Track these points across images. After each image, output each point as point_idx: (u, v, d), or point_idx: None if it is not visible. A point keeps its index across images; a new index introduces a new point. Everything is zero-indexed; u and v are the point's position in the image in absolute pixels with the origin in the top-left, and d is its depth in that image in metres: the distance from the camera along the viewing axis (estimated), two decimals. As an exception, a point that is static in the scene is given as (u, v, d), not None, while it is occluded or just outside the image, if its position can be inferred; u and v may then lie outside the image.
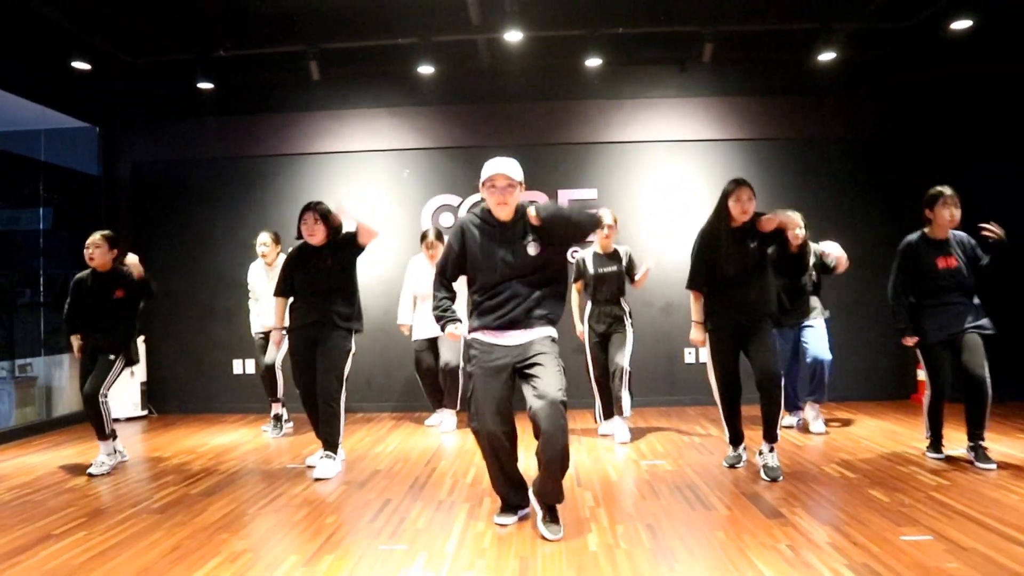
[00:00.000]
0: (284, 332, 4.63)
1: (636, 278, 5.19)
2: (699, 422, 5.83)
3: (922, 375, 4.50)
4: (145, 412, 6.86)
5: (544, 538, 3.16)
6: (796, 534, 3.13)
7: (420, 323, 5.86)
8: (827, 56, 6.15)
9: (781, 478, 4.02)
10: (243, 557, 3.05)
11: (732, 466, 4.34)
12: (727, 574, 2.73)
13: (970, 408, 4.21)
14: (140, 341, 5.93)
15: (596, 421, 5.54)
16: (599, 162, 6.81)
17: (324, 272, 4.42)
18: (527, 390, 3.16)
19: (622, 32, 6.05)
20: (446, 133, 6.87)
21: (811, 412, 5.34)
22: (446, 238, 5.78)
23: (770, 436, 4.09)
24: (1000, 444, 4.69)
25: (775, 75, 6.76)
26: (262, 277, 5.79)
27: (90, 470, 4.59)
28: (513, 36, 5.81)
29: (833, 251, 5.05)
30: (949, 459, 4.37)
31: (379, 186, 6.91)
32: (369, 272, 6.26)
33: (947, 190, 4.23)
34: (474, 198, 6.55)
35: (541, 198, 6.54)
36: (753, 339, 4.06)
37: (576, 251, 5.56)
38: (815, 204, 6.31)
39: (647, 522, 3.37)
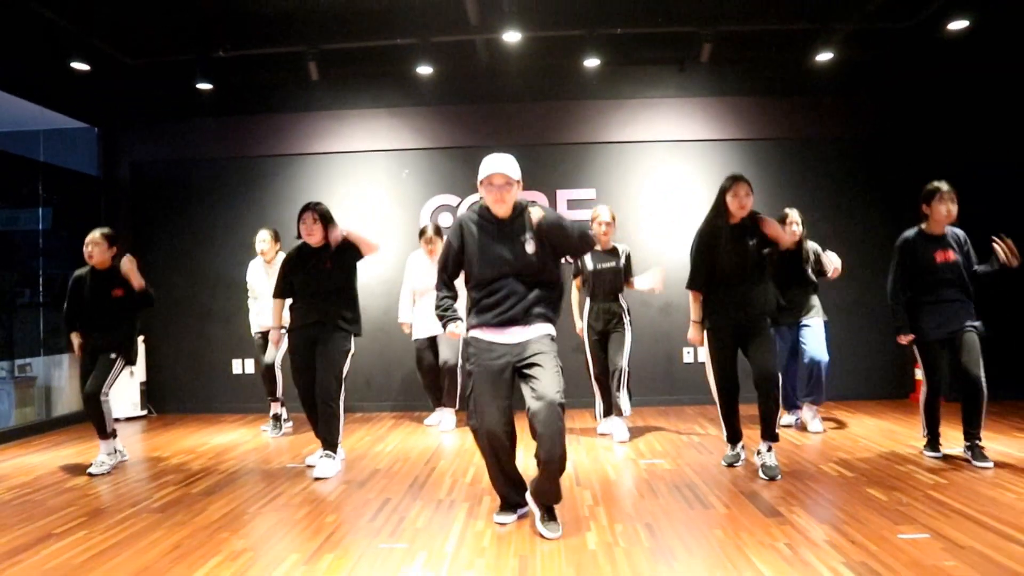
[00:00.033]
0: (283, 332, 4.64)
1: (640, 287, 5.18)
2: (698, 421, 5.85)
3: (920, 374, 4.51)
4: (145, 412, 6.87)
5: (543, 537, 3.17)
6: (794, 532, 3.15)
7: (420, 321, 5.87)
8: (825, 56, 6.17)
9: (779, 477, 4.03)
10: (243, 556, 3.06)
11: (730, 465, 4.35)
12: (725, 572, 2.74)
13: (966, 407, 4.23)
14: (140, 341, 5.93)
15: (596, 420, 5.55)
16: (598, 162, 6.82)
17: (324, 274, 4.43)
18: (526, 390, 3.17)
19: (621, 32, 6.07)
20: (445, 133, 6.89)
21: (808, 412, 5.36)
22: (445, 235, 5.83)
23: (768, 435, 4.10)
24: (997, 443, 4.71)
25: (774, 75, 6.77)
26: (261, 275, 5.80)
27: (90, 470, 4.60)
28: (512, 36, 5.82)
29: (832, 260, 5.05)
30: (946, 458, 4.39)
31: (378, 186, 6.92)
32: (369, 272, 6.27)
33: (944, 185, 4.24)
34: (473, 198, 6.56)
35: (540, 198, 6.55)
36: (752, 339, 4.07)
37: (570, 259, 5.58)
38: (813, 204, 6.33)
39: (646, 521, 3.38)
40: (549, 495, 3.25)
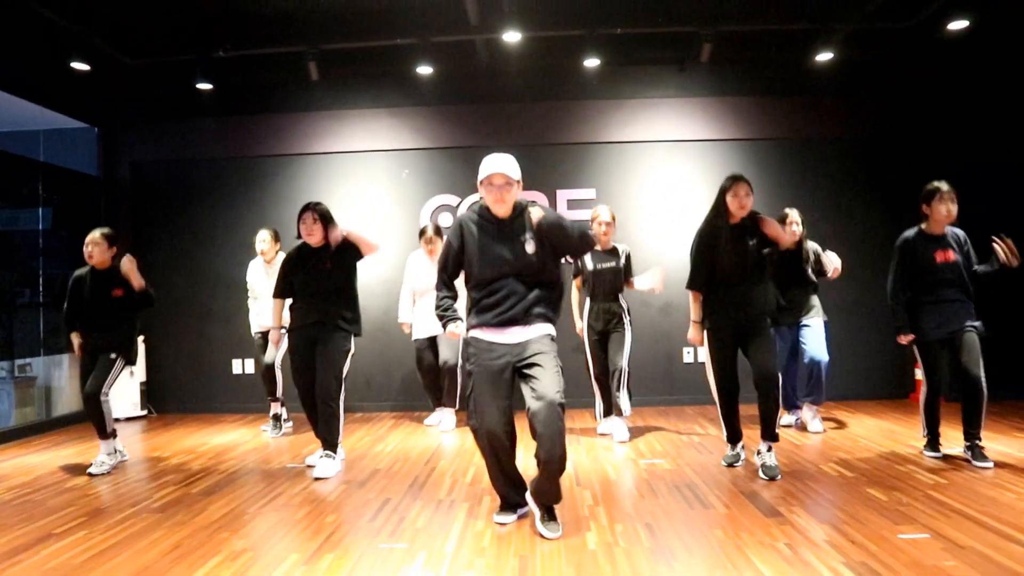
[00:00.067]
0: (283, 332, 4.65)
1: (640, 287, 5.18)
2: (698, 421, 5.85)
3: (920, 374, 4.51)
4: (144, 412, 6.87)
5: (543, 537, 3.17)
6: (794, 532, 3.15)
7: (420, 321, 5.87)
8: (825, 56, 6.17)
9: (779, 477, 4.03)
10: (243, 556, 3.06)
11: (730, 465, 4.35)
12: (725, 572, 2.74)
13: (966, 407, 4.23)
14: (140, 341, 5.93)
15: (596, 420, 5.55)
16: (598, 162, 6.83)
17: (324, 274, 4.43)
18: (526, 391, 3.17)
19: (621, 32, 6.07)
20: (445, 133, 6.89)
21: (808, 412, 5.36)
22: (445, 235, 5.83)
23: (768, 436, 4.10)
24: (997, 443, 4.71)
25: (774, 75, 6.78)
26: (261, 275, 5.80)
27: (90, 470, 4.60)
28: (512, 36, 5.82)
29: (832, 260, 5.05)
30: (946, 458, 4.39)
31: (378, 186, 6.92)
32: (369, 272, 6.27)
33: (944, 185, 4.24)
34: (473, 198, 6.56)
35: (540, 198, 6.55)
36: (752, 339, 4.07)
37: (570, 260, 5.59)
38: (813, 204, 6.33)
39: (646, 521, 3.38)
40: (549, 495, 3.25)
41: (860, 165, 6.74)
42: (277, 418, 5.84)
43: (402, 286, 6.06)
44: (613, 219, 5.19)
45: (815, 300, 5.26)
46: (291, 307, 4.59)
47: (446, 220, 6.69)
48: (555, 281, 3.33)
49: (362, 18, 5.97)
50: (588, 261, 5.18)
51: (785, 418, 5.51)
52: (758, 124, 6.79)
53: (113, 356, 4.62)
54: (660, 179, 6.80)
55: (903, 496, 3.63)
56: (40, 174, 7.06)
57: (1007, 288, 6.09)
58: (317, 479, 4.33)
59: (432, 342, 5.86)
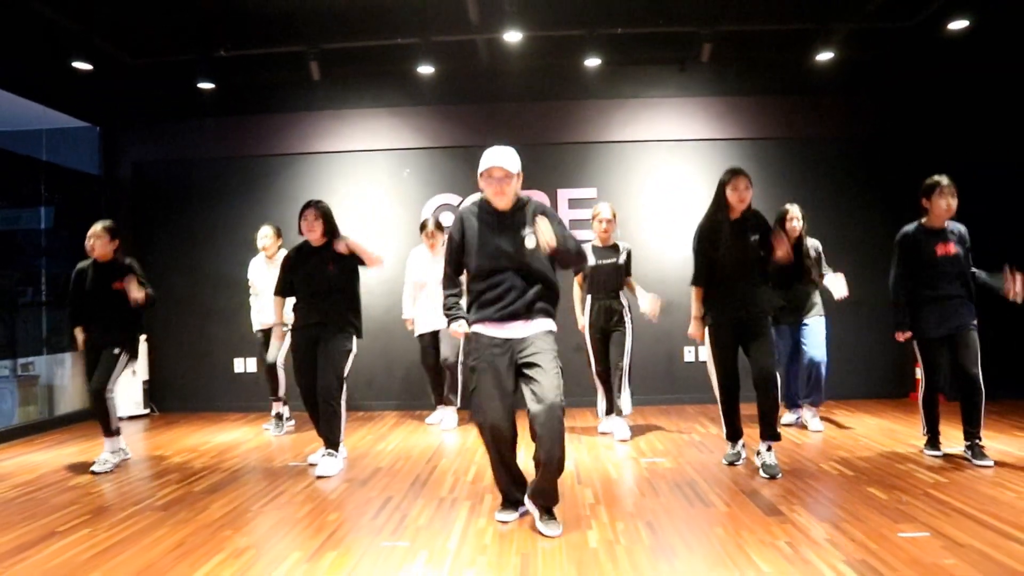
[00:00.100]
0: (286, 329, 4.66)
1: (642, 306, 5.13)
2: (698, 420, 5.86)
3: (920, 372, 4.52)
4: (147, 411, 6.89)
5: (543, 536, 3.19)
6: (795, 531, 3.16)
7: (421, 316, 5.89)
8: (826, 56, 6.18)
9: (780, 475, 4.05)
10: (246, 554, 3.07)
11: (731, 463, 4.36)
12: (726, 570, 2.76)
13: (964, 406, 4.24)
14: (142, 340, 5.94)
15: (597, 417, 5.57)
16: (599, 161, 6.84)
17: (326, 275, 4.43)
18: (526, 391, 3.20)
19: (621, 32, 6.08)
20: (446, 133, 6.90)
21: (809, 412, 5.38)
22: (446, 230, 5.86)
23: (769, 435, 4.11)
24: (997, 442, 4.72)
25: (774, 75, 6.79)
26: (262, 272, 5.81)
27: (93, 468, 4.62)
28: (512, 36, 5.83)
29: (837, 286, 4.98)
30: (947, 457, 4.40)
31: (379, 185, 6.94)
32: (370, 271, 6.26)
33: (944, 180, 4.24)
34: (474, 198, 6.56)
35: (541, 198, 6.56)
36: (752, 337, 4.09)
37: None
38: (814, 203, 6.30)
39: (647, 519, 3.39)
40: (548, 496, 3.27)
41: (860, 164, 6.75)
42: (279, 417, 5.85)
43: (404, 283, 6.08)
44: (614, 216, 5.21)
45: (817, 297, 5.27)
46: (294, 306, 4.61)
47: (447, 219, 6.69)
48: (552, 279, 3.35)
49: (363, 18, 5.98)
50: (589, 258, 5.20)
51: (786, 417, 5.53)
52: (758, 124, 6.80)
53: (116, 351, 4.64)
54: (661, 178, 6.81)
55: (903, 495, 3.65)
56: (42, 173, 7.08)
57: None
58: (319, 477, 4.34)
59: (434, 338, 5.87)
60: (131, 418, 6.70)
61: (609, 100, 6.82)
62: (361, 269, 4.64)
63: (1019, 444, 4.71)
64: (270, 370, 5.68)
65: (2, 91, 6.00)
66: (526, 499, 3.36)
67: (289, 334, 4.62)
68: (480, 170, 3.27)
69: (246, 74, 6.69)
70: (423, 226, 5.90)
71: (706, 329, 4.22)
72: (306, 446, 5.23)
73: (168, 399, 7.03)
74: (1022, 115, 6.33)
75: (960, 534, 3.05)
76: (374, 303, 6.55)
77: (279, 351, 5.63)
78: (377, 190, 6.92)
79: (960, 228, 4.33)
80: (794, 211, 5.24)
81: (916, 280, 4.30)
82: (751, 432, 4.47)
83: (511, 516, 3.42)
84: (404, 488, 4.06)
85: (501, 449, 3.31)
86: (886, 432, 5.23)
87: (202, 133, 7.08)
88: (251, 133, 7.02)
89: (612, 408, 5.29)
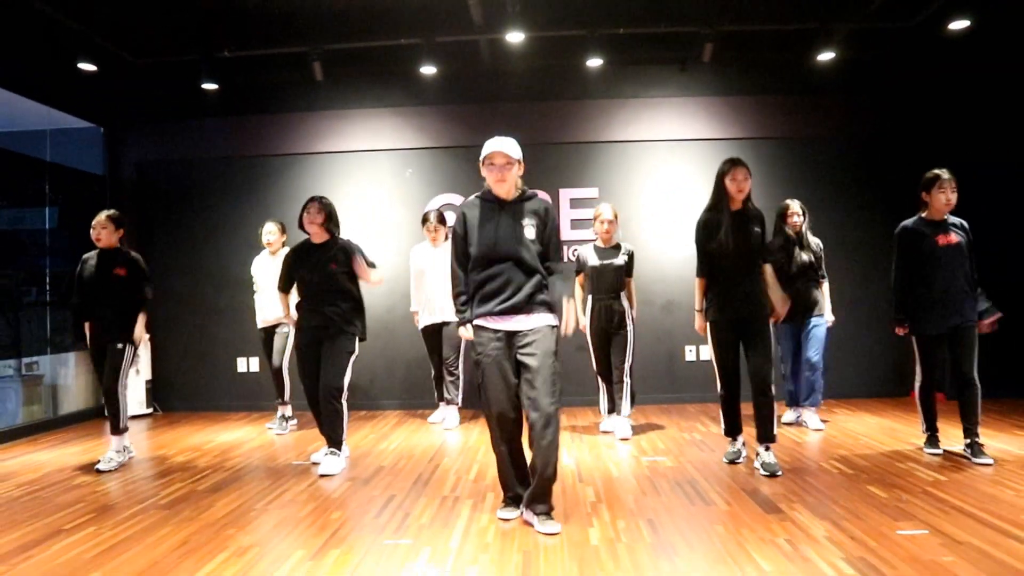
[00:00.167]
0: (288, 327, 4.68)
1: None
2: (699, 419, 5.88)
3: (918, 369, 4.52)
4: (150, 410, 6.91)
5: (543, 534, 3.21)
6: (794, 529, 3.18)
7: (424, 308, 5.91)
8: (826, 56, 6.19)
9: (780, 473, 4.06)
10: (250, 552, 3.10)
11: (732, 462, 4.38)
12: (726, 568, 2.78)
13: (961, 403, 4.26)
14: (146, 339, 5.97)
15: (600, 414, 5.60)
16: (600, 161, 6.86)
17: (329, 274, 4.45)
18: (523, 393, 3.28)
19: (623, 32, 6.10)
20: (448, 133, 6.92)
21: (808, 411, 5.40)
22: (447, 221, 5.91)
23: (765, 437, 4.13)
24: (997, 440, 4.73)
25: (775, 75, 6.80)
26: (265, 268, 5.84)
27: (99, 466, 4.65)
28: (515, 37, 5.85)
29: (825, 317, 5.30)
30: (946, 455, 4.42)
31: (382, 185, 6.96)
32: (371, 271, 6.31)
33: (945, 173, 4.25)
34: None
35: (542, 196, 6.57)
36: (752, 338, 4.10)
37: (576, 248, 5.68)
38: (814, 203, 6.31)
39: (648, 517, 3.42)
40: (544, 500, 3.31)
41: (860, 164, 6.76)
42: (284, 416, 5.89)
43: (410, 278, 6.09)
44: (615, 217, 5.23)
45: (819, 295, 5.29)
46: (297, 305, 4.63)
47: (450, 219, 6.72)
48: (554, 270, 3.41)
49: (366, 18, 6.00)
50: (590, 258, 5.22)
51: (787, 415, 5.55)
52: (759, 123, 6.81)
53: (120, 346, 4.67)
54: (662, 178, 6.82)
55: (903, 493, 3.67)
56: (46, 173, 7.11)
57: (1006, 288, 6.14)
58: (322, 476, 4.37)
59: (436, 331, 5.89)
60: (134, 417, 6.71)
61: (611, 100, 6.84)
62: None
63: (1019, 443, 4.72)
64: (276, 375, 5.77)
65: (6, 91, 6.03)
66: (524, 510, 3.39)
67: (292, 333, 4.64)
68: (481, 157, 3.34)
69: (249, 74, 6.71)
70: (425, 219, 5.93)
71: (707, 325, 4.24)
72: (309, 445, 5.25)
73: (171, 398, 7.06)
74: (1022, 115, 6.34)
75: (959, 532, 3.07)
76: (376, 302, 6.56)
77: (284, 355, 5.68)
78: (380, 190, 6.95)
79: (961, 222, 4.34)
80: (794, 207, 5.29)
81: (917, 274, 4.30)
82: (751, 431, 4.49)
83: (513, 514, 3.44)
84: (406, 487, 4.09)
85: (509, 436, 3.39)
86: (886, 431, 5.25)
87: (205, 133, 7.10)
88: (254, 133, 7.05)
89: (614, 407, 5.31)
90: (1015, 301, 6.20)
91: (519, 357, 3.28)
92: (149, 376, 6.91)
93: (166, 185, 7.15)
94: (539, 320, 3.30)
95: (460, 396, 5.96)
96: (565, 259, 3.32)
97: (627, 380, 5.14)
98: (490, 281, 3.30)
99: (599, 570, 2.80)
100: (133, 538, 3.31)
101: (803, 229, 5.27)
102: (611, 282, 5.17)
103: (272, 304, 5.69)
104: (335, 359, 4.43)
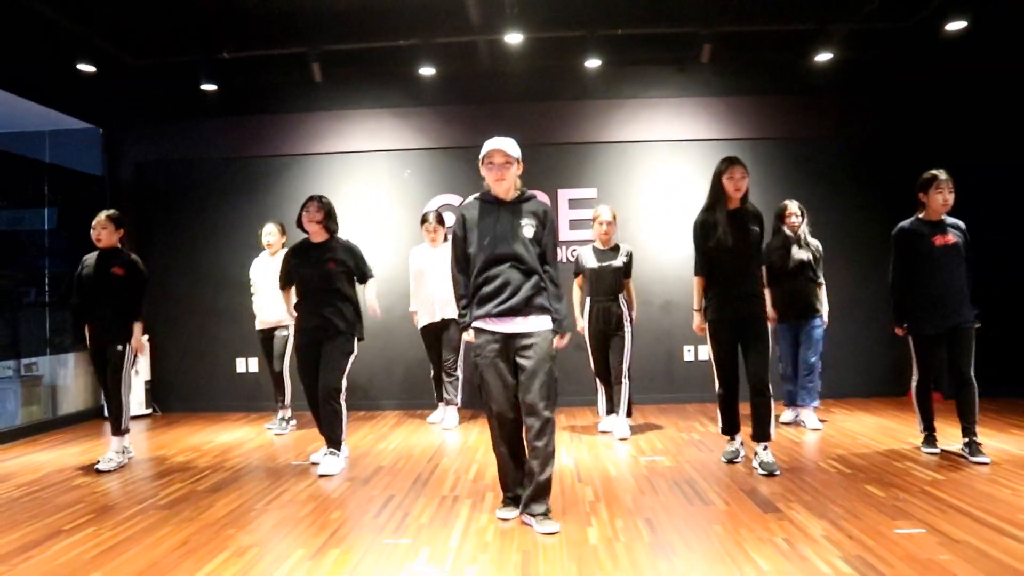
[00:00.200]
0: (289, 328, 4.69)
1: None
2: (698, 419, 5.89)
3: (915, 368, 4.53)
4: (149, 410, 6.92)
5: (542, 534, 3.22)
6: (792, 528, 3.20)
7: (422, 310, 5.92)
8: (824, 56, 6.21)
9: (778, 472, 4.08)
10: (250, 551, 3.11)
11: (730, 461, 4.39)
12: (724, 567, 2.79)
13: (959, 404, 4.28)
14: (144, 340, 5.97)
15: (598, 415, 5.61)
16: (599, 161, 6.87)
17: (326, 272, 4.46)
18: (520, 392, 3.30)
19: (621, 33, 6.11)
20: (447, 133, 6.93)
21: (806, 410, 5.41)
22: (446, 221, 5.93)
23: (761, 437, 4.15)
24: (994, 440, 4.75)
25: (773, 75, 6.81)
26: (264, 268, 5.84)
27: (98, 466, 4.66)
28: (513, 37, 5.86)
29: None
30: (944, 454, 4.43)
31: (380, 186, 6.97)
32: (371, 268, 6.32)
33: (942, 174, 4.27)
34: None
35: (541, 197, 6.59)
36: (751, 338, 4.11)
37: (574, 249, 5.69)
38: (812, 203, 6.33)
39: (646, 516, 3.43)
40: (540, 501, 3.32)
41: (859, 164, 6.78)
42: (283, 417, 5.90)
43: (409, 278, 6.10)
44: (614, 218, 5.24)
45: (817, 296, 5.30)
46: (295, 305, 4.64)
47: (448, 220, 6.73)
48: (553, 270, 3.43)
49: (364, 19, 6.01)
50: (588, 259, 5.23)
51: (785, 414, 5.57)
52: (757, 124, 6.83)
53: (120, 348, 4.68)
54: (661, 178, 6.84)
55: (900, 492, 3.68)
56: (45, 174, 7.12)
57: (1004, 288, 6.16)
58: (321, 476, 4.38)
59: (435, 332, 5.89)
60: (134, 418, 6.70)
61: (609, 100, 6.85)
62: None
63: (1016, 442, 4.74)
64: (276, 378, 5.81)
65: (5, 93, 6.04)
66: (522, 511, 3.41)
67: (292, 335, 4.65)
68: (481, 156, 3.36)
69: (248, 75, 6.72)
70: (424, 219, 5.94)
71: (706, 325, 4.25)
72: (308, 445, 5.26)
73: (170, 399, 7.06)
74: (1020, 115, 6.36)
75: (956, 530, 3.09)
76: (375, 303, 6.58)
77: (284, 358, 5.70)
78: (378, 191, 6.96)
79: (958, 222, 4.35)
80: (792, 207, 5.32)
81: (914, 275, 4.32)
82: (749, 431, 4.50)
83: (512, 514, 3.45)
84: (406, 487, 4.10)
85: (507, 438, 3.42)
86: (884, 430, 5.26)
87: (204, 134, 7.11)
88: (253, 134, 7.05)
89: (612, 408, 5.33)
90: (1015, 301, 6.24)
91: (516, 359, 3.30)
92: (148, 376, 6.92)
93: (165, 186, 7.15)
94: (537, 323, 3.32)
95: (459, 397, 5.97)
96: (561, 259, 3.36)
97: (625, 382, 5.15)
98: (488, 283, 3.31)
99: (598, 569, 2.81)
100: (133, 538, 3.32)
101: (801, 229, 5.29)
102: (610, 284, 5.17)
103: (270, 306, 5.70)
104: (333, 360, 4.44)
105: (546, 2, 5.78)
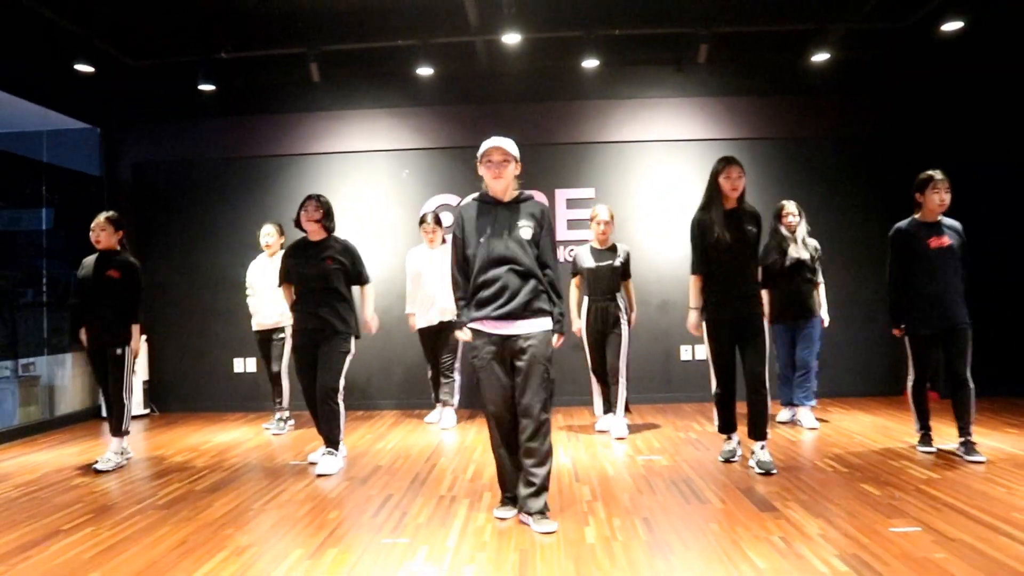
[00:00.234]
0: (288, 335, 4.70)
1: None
2: (695, 419, 5.91)
3: (911, 368, 4.55)
4: (147, 411, 6.92)
5: (540, 533, 3.23)
6: (788, 526, 3.21)
7: (420, 312, 5.93)
8: (822, 56, 6.22)
9: (775, 471, 4.09)
10: (248, 551, 3.11)
11: (727, 460, 4.41)
12: (721, 566, 2.80)
13: (955, 404, 4.29)
14: (143, 341, 5.97)
15: (594, 416, 5.62)
16: (596, 161, 6.88)
17: (323, 269, 4.47)
18: (517, 393, 3.32)
19: (618, 33, 6.12)
20: (445, 133, 6.94)
21: (803, 410, 5.43)
22: (444, 222, 5.94)
23: (757, 435, 4.16)
24: (989, 439, 4.77)
25: (770, 75, 6.83)
26: (262, 269, 5.84)
27: (97, 466, 4.67)
28: (511, 38, 5.87)
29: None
30: (939, 453, 4.45)
31: (379, 186, 6.98)
32: (368, 273, 6.33)
33: (938, 174, 4.28)
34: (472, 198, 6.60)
35: (540, 198, 6.61)
36: (748, 338, 4.13)
37: (572, 249, 5.70)
38: (810, 203, 6.35)
39: (643, 515, 3.44)
40: (536, 501, 3.33)
41: (857, 164, 6.79)
42: (281, 417, 5.90)
43: (406, 279, 6.11)
44: (612, 218, 5.25)
45: (815, 296, 5.32)
46: (293, 307, 4.64)
47: (446, 220, 6.74)
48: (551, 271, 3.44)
49: (363, 19, 6.02)
50: (585, 259, 5.24)
51: (782, 414, 5.59)
52: (755, 124, 6.84)
53: (119, 351, 4.68)
54: (658, 178, 6.85)
55: (896, 491, 3.70)
56: (43, 175, 7.12)
57: (1003, 287, 6.18)
58: (319, 476, 4.38)
59: (433, 333, 5.90)
60: (132, 418, 6.72)
61: (607, 101, 6.86)
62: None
63: (1011, 441, 4.76)
64: (275, 379, 5.81)
65: (3, 93, 6.04)
66: (520, 515, 3.42)
67: (289, 336, 4.66)
68: (479, 154, 3.36)
69: (246, 75, 6.73)
70: (422, 220, 5.95)
71: (704, 325, 4.26)
72: (306, 445, 5.27)
73: (168, 399, 7.07)
74: (1019, 115, 6.38)
75: (951, 529, 3.10)
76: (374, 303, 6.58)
77: (283, 361, 5.70)
78: (376, 191, 6.96)
79: (955, 224, 4.37)
80: (790, 207, 5.34)
81: (911, 275, 4.34)
82: (745, 430, 4.51)
83: (510, 513, 3.47)
84: (404, 486, 4.11)
85: (506, 438, 3.43)
86: (880, 429, 5.28)
87: (202, 134, 7.11)
88: (251, 134, 7.06)
89: (609, 407, 5.34)
90: (1014, 301, 6.26)
91: (513, 361, 3.32)
92: (146, 377, 6.92)
93: (163, 186, 7.15)
94: (535, 325, 3.32)
95: (456, 398, 5.98)
96: (559, 259, 3.37)
97: (622, 381, 5.16)
98: (487, 287, 3.32)
99: (595, 568, 2.82)
100: (131, 538, 3.32)
101: (799, 229, 5.31)
102: (607, 283, 5.18)
103: (268, 307, 5.70)
104: (331, 360, 4.45)
105: (544, 2, 5.79)
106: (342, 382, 4.50)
